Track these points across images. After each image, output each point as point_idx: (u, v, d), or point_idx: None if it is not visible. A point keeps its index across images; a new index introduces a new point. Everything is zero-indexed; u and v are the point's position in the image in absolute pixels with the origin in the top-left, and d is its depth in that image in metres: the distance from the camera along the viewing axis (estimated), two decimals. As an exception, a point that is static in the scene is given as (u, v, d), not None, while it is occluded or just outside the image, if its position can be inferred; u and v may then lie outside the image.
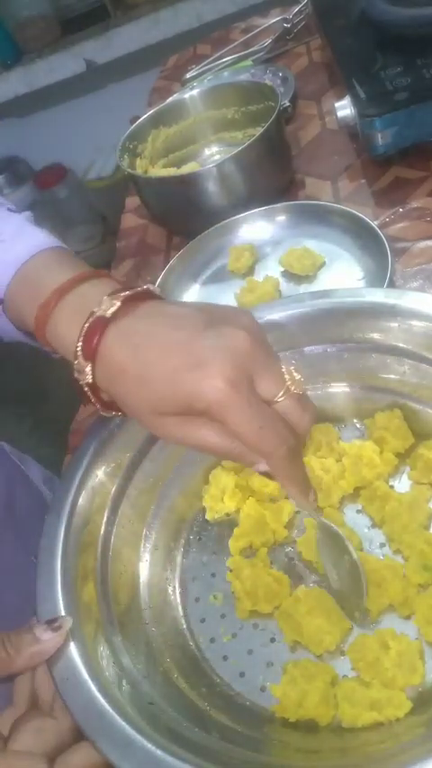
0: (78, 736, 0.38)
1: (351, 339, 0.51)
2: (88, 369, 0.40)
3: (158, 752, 0.35)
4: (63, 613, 0.41)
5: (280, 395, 0.39)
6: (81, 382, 0.41)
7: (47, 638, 0.39)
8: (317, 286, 0.71)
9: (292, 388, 0.40)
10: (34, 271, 0.46)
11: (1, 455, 0.72)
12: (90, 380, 0.41)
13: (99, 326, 0.40)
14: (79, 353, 0.40)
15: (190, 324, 0.39)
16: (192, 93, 0.91)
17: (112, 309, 0.40)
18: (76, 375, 0.41)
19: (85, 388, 0.41)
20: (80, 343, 0.40)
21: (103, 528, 0.48)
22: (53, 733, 0.38)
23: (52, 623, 0.39)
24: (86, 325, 0.40)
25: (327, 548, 0.46)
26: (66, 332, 0.42)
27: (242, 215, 0.78)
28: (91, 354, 0.40)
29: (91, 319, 0.40)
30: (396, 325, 0.48)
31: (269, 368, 0.39)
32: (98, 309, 0.40)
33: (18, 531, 0.65)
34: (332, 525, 0.45)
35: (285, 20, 1.14)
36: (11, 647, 0.38)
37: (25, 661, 0.38)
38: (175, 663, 0.46)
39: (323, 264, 0.72)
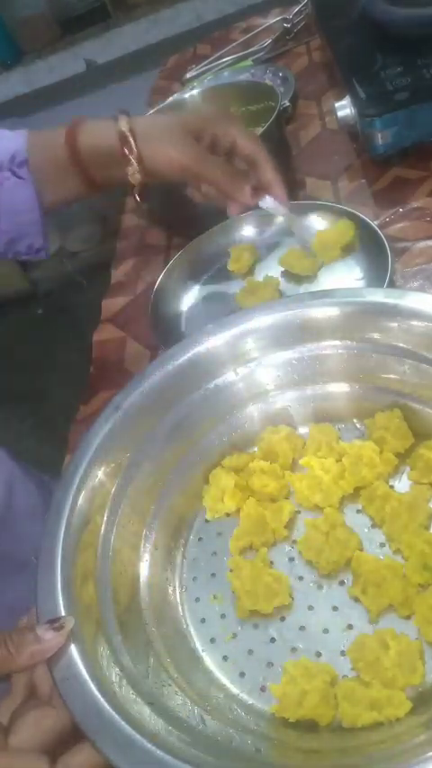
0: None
1: (351, 339, 0.51)
2: (126, 123, 0.60)
3: (158, 752, 0.35)
4: (63, 613, 0.41)
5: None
6: (125, 132, 0.59)
7: (48, 638, 0.39)
8: (317, 286, 0.71)
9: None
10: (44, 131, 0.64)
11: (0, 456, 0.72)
12: (131, 127, 0.60)
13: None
14: (119, 116, 0.60)
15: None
16: (192, 93, 0.91)
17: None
18: (121, 130, 0.59)
19: (129, 136, 0.59)
20: (117, 115, 0.61)
21: (103, 528, 0.48)
22: (53, 723, 0.38)
23: (54, 623, 0.39)
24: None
25: None
26: (102, 135, 0.60)
27: (242, 215, 0.77)
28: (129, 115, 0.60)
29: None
30: (396, 325, 0.48)
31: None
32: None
33: (17, 531, 0.65)
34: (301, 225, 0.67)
35: (285, 20, 1.14)
36: (12, 645, 0.38)
37: (26, 660, 0.39)
38: (175, 663, 0.46)
39: (323, 264, 0.72)
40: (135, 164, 0.59)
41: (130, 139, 0.59)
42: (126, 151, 0.59)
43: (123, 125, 0.59)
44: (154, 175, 0.61)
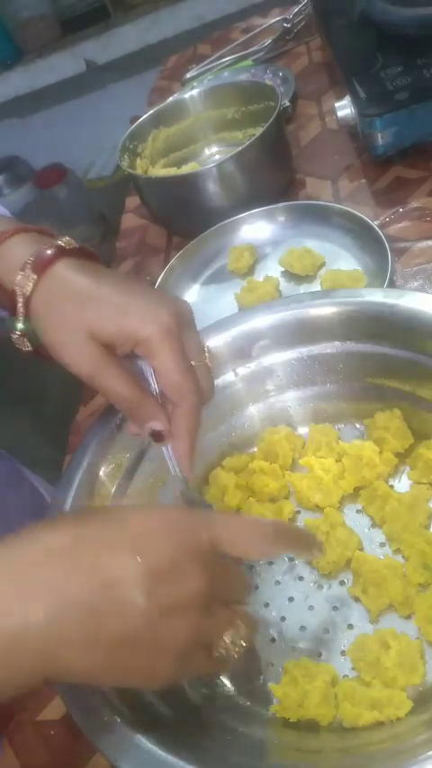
0: None
1: (351, 339, 0.51)
2: (31, 282, 0.42)
3: (159, 752, 0.35)
4: None
5: (198, 359, 0.45)
6: (17, 293, 0.43)
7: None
8: (317, 286, 0.71)
9: (207, 360, 0.46)
10: None
11: (2, 463, 0.71)
12: (29, 292, 0.42)
13: (58, 251, 0.43)
14: (28, 265, 0.43)
15: (143, 283, 0.47)
16: (192, 93, 0.91)
17: (73, 246, 0.44)
18: (15, 287, 0.43)
19: (19, 302, 0.43)
20: (32, 258, 0.43)
21: (103, 528, 0.48)
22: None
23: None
24: (45, 248, 0.43)
25: None
26: (15, 254, 0.44)
27: (242, 215, 0.77)
28: (42, 268, 0.43)
29: (51, 245, 0.44)
30: (396, 324, 0.48)
31: (197, 335, 0.46)
32: (59, 242, 0.44)
33: (8, 533, 0.65)
34: (201, 499, 0.49)
35: (285, 20, 1.14)
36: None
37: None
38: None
39: (323, 264, 0.72)
40: (20, 335, 0.44)
41: (20, 303, 0.43)
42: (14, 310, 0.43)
43: (22, 281, 0.42)
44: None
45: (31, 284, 0.42)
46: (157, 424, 0.44)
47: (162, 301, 0.43)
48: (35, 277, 0.42)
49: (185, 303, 0.45)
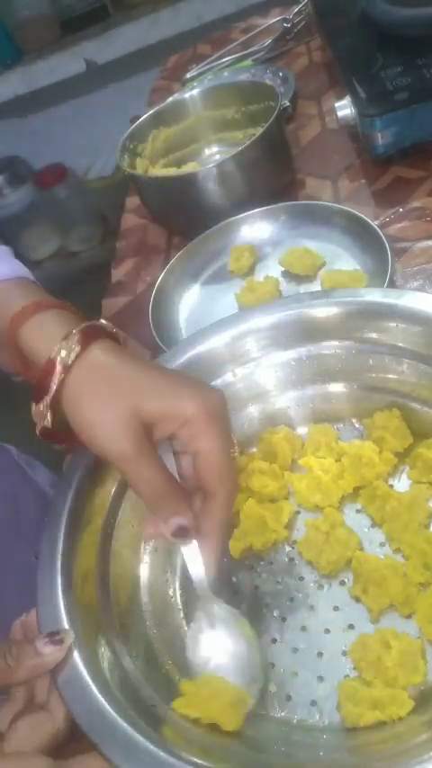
0: (72, 728, 0.38)
1: (351, 339, 0.51)
2: (74, 354, 0.41)
3: (161, 754, 0.35)
4: (63, 613, 0.41)
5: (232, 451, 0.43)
6: (57, 363, 0.41)
7: (48, 652, 0.38)
8: (317, 286, 0.71)
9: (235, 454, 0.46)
10: None
11: (7, 459, 0.72)
12: (71, 361, 0.41)
13: (98, 330, 0.43)
14: (74, 335, 0.42)
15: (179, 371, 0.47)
16: (192, 93, 0.91)
17: (111, 329, 0.45)
18: (55, 356, 0.41)
19: (58, 370, 0.41)
20: (76, 331, 0.42)
21: (103, 529, 0.48)
22: (47, 727, 0.39)
23: (54, 636, 0.39)
24: (87, 324, 0.43)
25: (219, 630, 0.43)
26: (51, 328, 0.44)
27: (242, 215, 0.77)
28: (87, 342, 0.42)
29: (92, 324, 0.44)
30: (396, 325, 0.48)
31: (230, 427, 0.44)
32: (96, 322, 0.44)
33: (22, 533, 0.65)
34: (229, 608, 0.44)
35: (285, 20, 1.14)
36: (11, 659, 0.38)
37: (26, 673, 0.39)
38: (176, 665, 0.45)
39: (323, 264, 0.72)
40: (46, 406, 0.42)
41: (55, 380, 0.41)
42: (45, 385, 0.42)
43: (62, 355, 0.41)
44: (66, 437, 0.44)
45: (73, 355, 0.41)
46: (183, 519, 0.41)
47: (206, 386, 0.44)
48: (78, 349, 0.41)
49: (221, 392, 0.43)
